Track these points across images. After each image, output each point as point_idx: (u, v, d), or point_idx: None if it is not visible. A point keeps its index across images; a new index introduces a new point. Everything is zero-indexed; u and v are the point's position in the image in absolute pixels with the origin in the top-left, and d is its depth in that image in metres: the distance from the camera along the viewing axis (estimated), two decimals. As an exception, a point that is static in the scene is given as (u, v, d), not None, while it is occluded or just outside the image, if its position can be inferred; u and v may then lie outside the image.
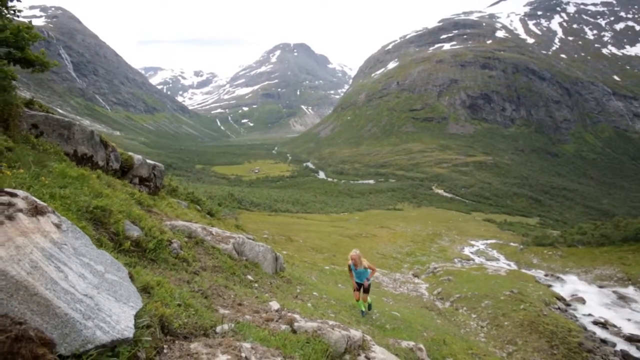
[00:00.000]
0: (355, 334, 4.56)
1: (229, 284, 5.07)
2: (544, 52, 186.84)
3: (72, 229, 1.63)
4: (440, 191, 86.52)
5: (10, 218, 1.34)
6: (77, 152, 6.56)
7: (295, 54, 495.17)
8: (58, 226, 1.54)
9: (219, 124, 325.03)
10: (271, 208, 51.75)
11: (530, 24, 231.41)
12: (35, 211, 1.47)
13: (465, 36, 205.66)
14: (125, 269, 1.85)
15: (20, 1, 5.02)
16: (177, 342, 1.85)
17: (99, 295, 1.42)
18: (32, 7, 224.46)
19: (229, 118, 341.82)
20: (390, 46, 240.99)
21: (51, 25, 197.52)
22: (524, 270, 22.16)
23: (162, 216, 6.70)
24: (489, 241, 39.73)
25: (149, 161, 9.60)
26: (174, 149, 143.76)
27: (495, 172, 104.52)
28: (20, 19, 5.70)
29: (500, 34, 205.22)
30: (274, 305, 4.40)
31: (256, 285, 5.95)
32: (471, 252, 34.09)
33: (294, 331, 3.64)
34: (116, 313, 1.42)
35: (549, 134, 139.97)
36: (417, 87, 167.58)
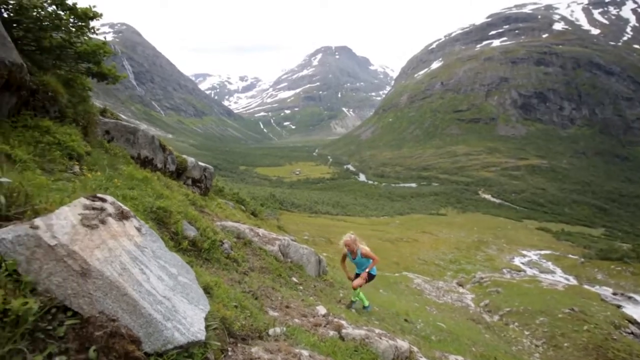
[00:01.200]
0: (402, 344, 4.44)
1: (275, 285, 5.19)
2: (612, 43, 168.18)
3: (149, 232, 1.77)
4: (488, 196, 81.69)
5: (103, 222, 1.48)
6: (140, 155, 7.15)
7: (337, 56, 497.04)
8: (139, 230, 1.68)
9: (262, 126, 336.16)
10: (311, 210, 52.33)
11: (596, 12, 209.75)
12: (122, 215, 1.61)
13: (517, 31, 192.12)
14: (193, 271, 1.96)
15: (99, 19, 5.60)
16: (239, 344, 1.93)
17: (175, 297, 1.52)
18: (102, 25, 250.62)
19: (272, 121, 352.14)
20: (434, 45, 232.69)
21: (117, 40, 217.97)
22: (586, 286, 20.13)
23: (213, 217, 7.06)
24: (542, 252, 36.79)
25: (200, 163, 10.18)
26: (220, 151, 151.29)
27: (551, 176, 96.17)
28: (95, 35, 6.38)
29: (559, 26, 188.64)
30: (321, 309, 4.42)
31: (301, 287, 6.03)
32: (522, 263, 31.87)
33: (341, 338, 3.63)
34: (190, 315, 1.51)
35: (618, 135, 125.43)
36: (462, 87, 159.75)
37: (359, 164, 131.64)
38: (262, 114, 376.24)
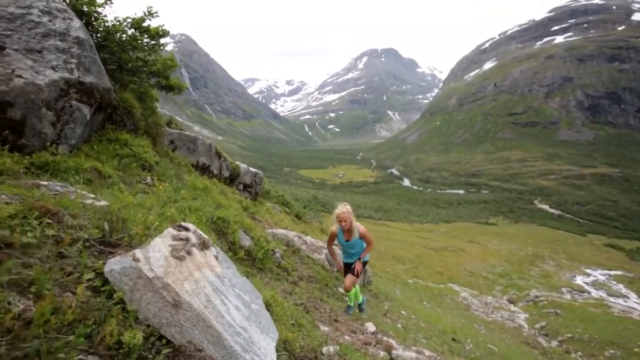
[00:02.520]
0: (455, 370, 4.24)
1: (323, 296, 5.24)
2: None
3: (224, 259, 1.87)
4: (545, 207, 75.22)
5: (189, 253, 1.60)
6: (198, 162, 7.65)
7: (383, 59, 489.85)
8: (216, 258, 1.78)
9: (306, 129, 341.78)
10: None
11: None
12: (203, 245, 1.72)
13: (585, 25, 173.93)
14: (260, 295, 2.04)
15: (167, 36, 6.11)
16: (303, 371, 1.98)
17: (250, 327, 1.60)
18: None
19: (317, 124, 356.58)
20: (486, 45, 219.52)
21: (177, 49, 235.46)
22: (668, 317, 17.60)
23: (264, 223, 7.31)
24: (612, 272, 32.95)
25: (251, 169, 10.63)
26: (266, 153, 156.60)
27: (625, 187, 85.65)
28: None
29: (639, 16, 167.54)
30: (370, 327, 4.38)
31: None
32: (586, 283, 28.89)
33: (392, 359, 3.56)
34: (263, 346, 1.57)
35: None
36: (518, 88, 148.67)
37: (404, 168, 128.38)
38: (307, 117, 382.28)
